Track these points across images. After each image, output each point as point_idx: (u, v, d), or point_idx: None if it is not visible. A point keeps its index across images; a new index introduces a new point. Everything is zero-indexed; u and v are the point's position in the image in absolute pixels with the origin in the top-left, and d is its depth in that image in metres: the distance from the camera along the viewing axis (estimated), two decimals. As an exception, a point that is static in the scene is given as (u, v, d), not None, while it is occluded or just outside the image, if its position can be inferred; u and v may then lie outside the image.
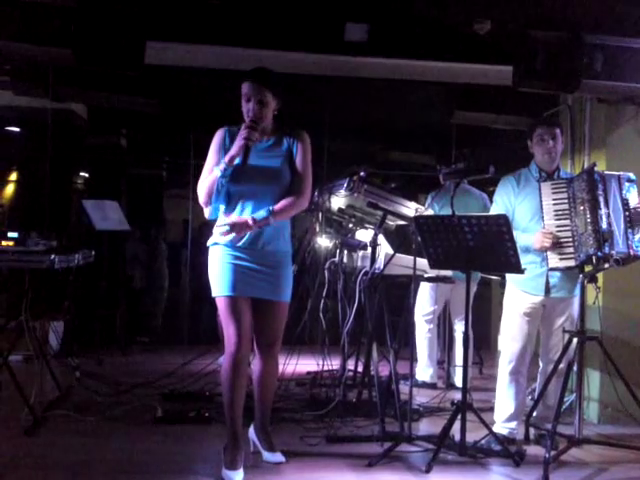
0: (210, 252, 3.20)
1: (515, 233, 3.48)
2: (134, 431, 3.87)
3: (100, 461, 3.37)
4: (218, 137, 3.21)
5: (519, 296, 3.84)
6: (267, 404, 3.38)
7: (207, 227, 8.44)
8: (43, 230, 4.31)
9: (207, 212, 3.21)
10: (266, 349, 3.28)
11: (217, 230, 3.15)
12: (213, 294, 3.16)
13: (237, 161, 3.04)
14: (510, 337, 3.86)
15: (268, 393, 3.37)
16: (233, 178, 3.07)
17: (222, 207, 3.17)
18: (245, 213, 3.11)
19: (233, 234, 3.04)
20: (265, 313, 3.21)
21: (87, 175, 7.74)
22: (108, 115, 7.16)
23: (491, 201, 4.15)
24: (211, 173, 3.10)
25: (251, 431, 3.44)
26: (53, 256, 3.81)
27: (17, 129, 6.97)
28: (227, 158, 3.04)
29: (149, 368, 5.49)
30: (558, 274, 3.75)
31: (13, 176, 7.59)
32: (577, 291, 3.77)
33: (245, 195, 3.13)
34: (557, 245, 3.59)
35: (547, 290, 3.77)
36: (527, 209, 3.81)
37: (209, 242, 3.20)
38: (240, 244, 3.10)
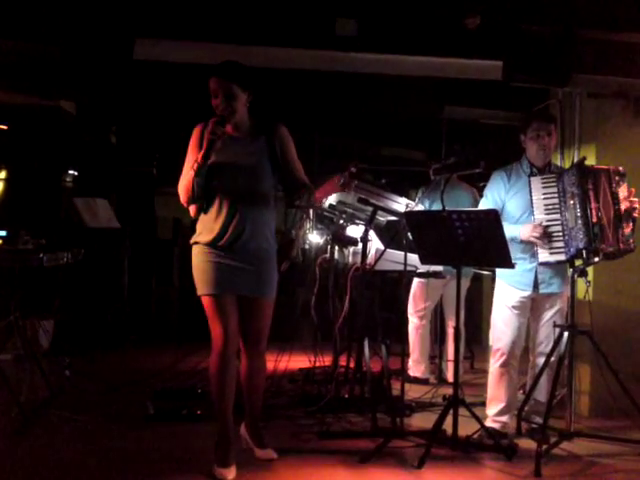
0: (192, 251, 3.18)
1: (504, 224, 3.48)
2: (125, 429, 3.86)
3: (91, 460, 3.35)
4: (195, 134, 3.17)
5: (508, 290, 3.85)
6: (256, 402, 3.35)
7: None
8: (32, 228, 4.29)
9: (192, 211, 3.20)
10: (252, 347, 3.25)
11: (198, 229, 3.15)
12: (198, 293, 3.15)
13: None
14: (500, 330, 3.87)
15: (256, 391, 3.33)
16: (214, 176, 3.06)
17: (204, 207, 3.14)
18: (227, 211, 3.08)
19: None
20: (250, 310, 3.19)
21: (76, 172, 7.70)
22: (97, 112, 7.12)
23: (481, 196, 4.15)
24: (189, 170, 3.08)
25: (242, 428, 3.42)
26: (42, 254, 3.79)
27: (4, 126, 6.92)
28: (199, 157, 3.02)
29: (140, 366, 5.47)
30: (547, 270, 3.76)
31: (1, 174, 7.53)
32: (566, 286, 3.79)
33: (226, 193, 3.10)
34: (545, 238, 3.60)
35: (535, 286, 3.79)
36: (518, 204, 3.81)
37: (191, 241, 3.18)
38: (220, 243, 3.08)
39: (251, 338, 3.24)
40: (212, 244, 3.09)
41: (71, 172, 7.55)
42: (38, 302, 5.23)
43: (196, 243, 3.15)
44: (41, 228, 5.38)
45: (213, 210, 3.11)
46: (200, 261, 3.12)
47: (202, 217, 3.15)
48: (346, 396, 4.39)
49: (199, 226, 3.15)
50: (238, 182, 3.09)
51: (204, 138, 3.05)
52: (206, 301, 3.11)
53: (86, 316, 6.16)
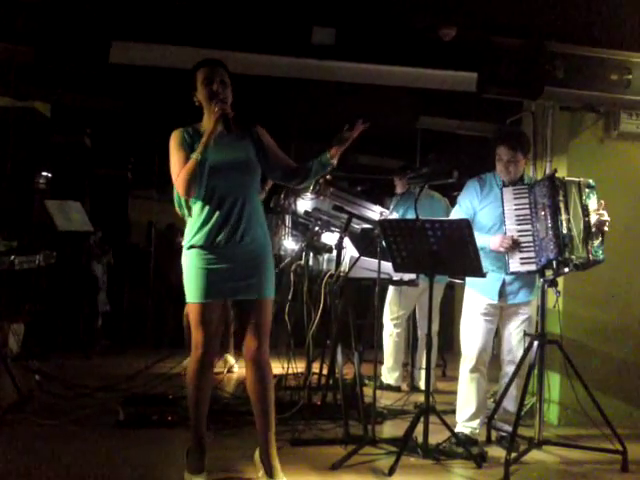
0: (183, 256, 3.10)
1: (475, 234, 3.52)
2: (95, 435, 3.82)
3: (60, 466, 3.31)
4: (176, 136, 3.09)
5: (476, 298, 3.91)
6: (268, 422, 3.09)
7: (173, 228, 8.41)
8: (4, 230, 4.24)
9: (183, 210, 3.10)
10: (255, 353, 3.09)
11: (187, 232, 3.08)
12: (187, 300, 3.07)
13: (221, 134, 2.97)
14: (468, 337, 3.92)
15: (266, 401, 3.09)
16: (208, 174, 2.98)
17: (196, 207, 3.06)
18: (222, 209, 3.01)
19: None
20: (249, 312, 3.10)
21: (50, 175, 7.61)
22: (72, 114, 7.06)
23: (452, 205, 4.19)
24: (184, 164, 2.97)
25: (257, 454, 3.20)
26: (13, 257, 3.76)
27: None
28: (205, 138, 2.94)
29: (111, 371, 5.42)
30: (515, 281, 3.82)
31: (-27, 175, 7.43)
32: (533, 295, 3.85)
33: (221, 190, 3.03)
34: (513, 250, 3.65)
35: (502, 296, 3.84)
36: (489, 215, 3.86)
37: (184, 246, 3.09)
38: (217, 240, 3.00)
39: (252, 343, 3.10)
40: (208, 244, 3.01)
41: (44, 174, 7.47)
42: (8, 305, 5.17)
43: (191, 247, 3.05)
44: (13, 230, 5.32)
45: (207, 209, 3.03)
46: (192, 267, 3.04)
47: (195, 218, 3.06)
48: (318, 403, 4.40)
49: (192, 228, 3.06)
50: (232, 179, 3.04)
51: (212, 114, 2.97)
52: (192, 308, 3.05)
53: (57, 320, 6.09)
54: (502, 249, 3.69)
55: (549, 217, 3.56)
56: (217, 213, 3.02)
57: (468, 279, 3.97)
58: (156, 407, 4.28)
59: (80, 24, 4.62)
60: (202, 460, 3.11)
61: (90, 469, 3.28)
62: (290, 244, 5.05)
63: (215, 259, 3.01)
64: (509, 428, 3.77)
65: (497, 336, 4.13)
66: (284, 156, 3.26)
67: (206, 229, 3.02)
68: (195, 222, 3.06)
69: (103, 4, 4.38)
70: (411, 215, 4.71)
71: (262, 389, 3.10)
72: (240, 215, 3.04)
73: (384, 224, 3.67)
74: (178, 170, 2.99)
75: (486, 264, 3.76)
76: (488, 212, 3.87)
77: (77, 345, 6.25)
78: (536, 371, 3.71)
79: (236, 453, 3.45)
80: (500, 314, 3.93)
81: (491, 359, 3.99)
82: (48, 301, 6.17)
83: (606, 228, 3.61)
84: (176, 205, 3.18)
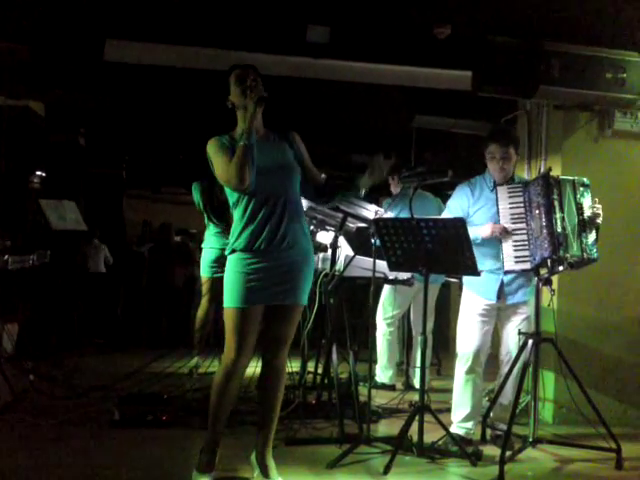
0: (227, 261, 3.07)
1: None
2: (90, 435, 3.81)
3: (55, 466, 3.30)
4: (215, 142, 3.05)
5: (474, 299, 3.90)
6: (270, 423, 3.15)
7: (168, 227, 8.39)
8: (-3, 230, 4.23)
9: (239, 184, 2.95)
10: (275, 352, 3.10)
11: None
12: (224, 304, 3.05)
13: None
14: (465, 338, 3.91)
15: (274, 404, 3.14)
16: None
17: (238, 211, 3.04)
18: (264, 212, 2.99)
19: None
20: (279, 318, 3.08)
21: (44, 174, 7.60)
22: (67, 113, 7.04)
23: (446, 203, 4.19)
24: (231, 159, 2.94)
25: (253, 454, 3.20)
26: (7, 257, 3.74)
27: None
28: (247, 123, 2.93)
29: (106, 371, 5.41)
30: (513, 281, 3.82)
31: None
32: (531, 295, 3.85)
33: (262, 193, 3.00)
34: (507, 236, 3.65)
35: (500, 296, 3.84)
36: (483, 218, 3.85)
37: (226, 251, 3.08)
38: (257, 244, 2.98)
39: (274, 346, 3.10)
40: (249, 248, 2.99)
41: (39, 173, 7.45)
42: (2, 305, 5.15)
43: (233, 251, 3.04)
44: (7, 230, 5.31)
45: (248, 213, 3.01)
46: (233, 271, 3.01)
47: (237, 222, 3.05)
48: (314, 402, 4.39)
49: (234, 232, 3.05)
50: (273, 181, 3.02)
51: (246, 98, 2.96)
52: (229, 313, 3.01)
53: (51, 319, 6.07)
54: (494, 235, 3.69)
55: (543, 215, 3.56)
56: (258, 216, 3.00)
57: (466, 280, 3.97)
58: (151, 407, 4.27)
59: (75, 23, 4.61)
60: (213, 460, 3.09)
61: (85, 469, 3.27)
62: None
63: (256, 263, 2.99)
64: (504, 427, 3.77)
65: (495, 336, 4.13)
66: (316, 171, 3.22)
67: (247, 232, 3.00)
68: (237, 226, 3.05)
69: (98, 2, 4.37)
70: (405, 214, 4.71)
71: (275, 394, 3.13)
72: (281, 218, 3.02)
73: (379, 223, 3.67)
74: (227, 162, 2.96)
75: (485, 265, 3.76)
76: (481, 214, 3.86)
77: (71, 345, 6.23)
78: (531, 369, 3.71)
79: (233, 452, 3.44)
80: (498, 315, 3.93)
81: (487, 358, 3.99)
82: (42, 301, 6.15)
83: (599, 221, 3.61)
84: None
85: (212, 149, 3.05)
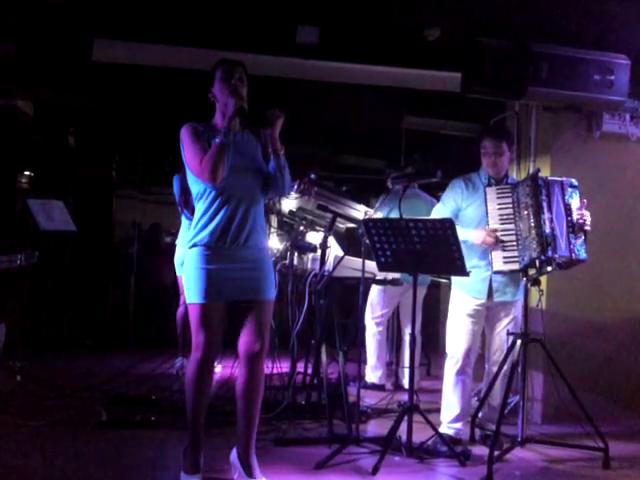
0: (187, 255, 3.05)
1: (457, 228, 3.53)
2: (78, 436, 3.78)
3: (42, 467, 3.28)
4: (190, 128, 3.01)
5: (463, 298, 3.91)
6: (252, 423, 3.10)
7: (158, 228, 8.36)
8: (-16, 230, 4.20)
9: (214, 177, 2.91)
10: (252, 357, 3.07)
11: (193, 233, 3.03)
12: (187, 300, 3.04)
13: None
14: (455, 338, 3.92)
15: (254, 405, 3.10)
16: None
17: (201, 206, 3.02)
18: (229, 209, 2.97)
19: None
20: (248, 315, 3.07)
21: (32, 174, 7.55)
22: (55, 112, 7.01)
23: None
24: (205, 152, 2.91)
25: (233, 454, 3.17)
26: (-6, 257, 3.72)
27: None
28: (227, 122, 2.90)
29: (94, 371, 5.38)
30: (501, 279, 3.83)
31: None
32: (520, 294, 3.86)
33: (229, 191, 2.98)
34: (498, 244, 3.67)
35: (490, 294, 3.85)
36: (473, 215, 3.87)
37: (187, 245, 3.05)
38: (221, 241, 2.97)
39: (250, 347, 3.08)
40: (212, 244, 2.98)
41: (27, 173, 7.42)
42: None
43: (194, 245, 3.01)
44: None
45: (213, 208, 2.99)
46: (194, 267, 2.99)
47: (199, 217, 3.03)
48: (303, 402, 4.39)
49: (196, 227, 3.02)
50: (241, 181, 3.01)
51: (227, 97, 2.94)
52: (193, 309, 3.00)
53: (39, 320, 6.03)
54: (485, 245, 3.71)
55: (532, 216, 3.58)
56: (223, 213, 2.98)
57: (454, 280, 3.98)
58: (139, 408, 4.25)
59: (62, 22, 4.59)
60: (198, 460, 3.07)
61: (71, 470, 3.25)
62: (275, 243, 5.03)
63: (217, 259, 2.98)
64: (493, 427, 3.79)
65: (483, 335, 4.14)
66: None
67: (210, 228, 2.98)
68: (199, 220, 3.02)
69: (86, 2, 4.35)
70: (395, 215, 4.72)
71: (253, 391, 3.09)
72: (246, 218, 3.01)
73: (368, 223, 3.67)
74: (200, 157, 2.92)
75: (473, 260, 3.77)
76: (473, 210, 3.88)
77: (60, 345, 6.19)
78: (519, 369, 3.72)
79: (219, 453, 3.43)
80: (487, 314, 3.94)
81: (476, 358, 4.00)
82: (30, 301, 6.11)
83: (587, 227, 3.63)
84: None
85: (186, 134, 3.01)
